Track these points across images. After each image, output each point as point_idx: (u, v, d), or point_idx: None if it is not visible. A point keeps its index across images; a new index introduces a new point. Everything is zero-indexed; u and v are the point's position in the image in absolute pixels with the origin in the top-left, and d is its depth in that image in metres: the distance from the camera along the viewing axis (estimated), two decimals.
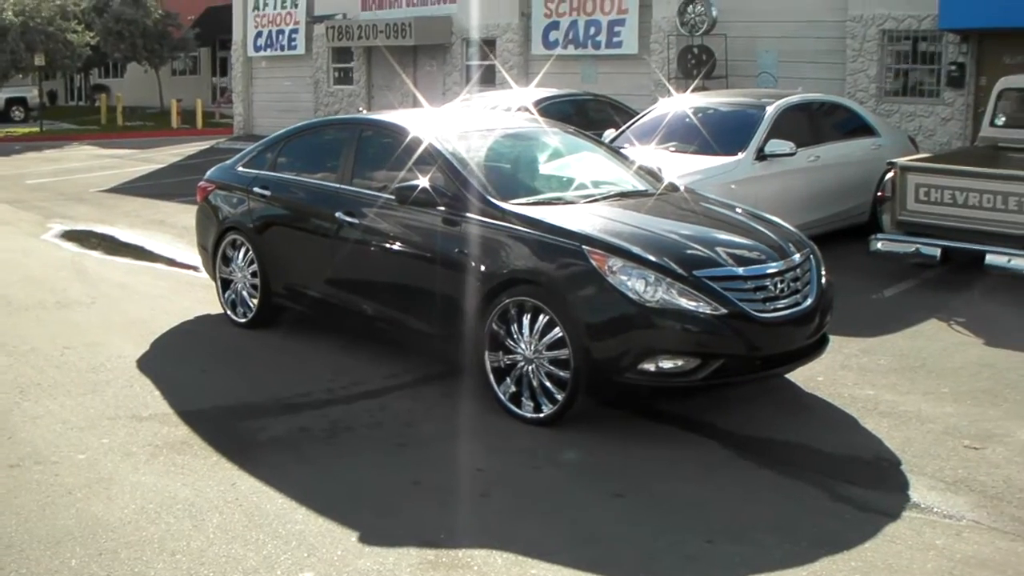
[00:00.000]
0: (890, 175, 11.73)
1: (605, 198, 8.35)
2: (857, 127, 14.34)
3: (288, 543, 5.52)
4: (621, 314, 6.96)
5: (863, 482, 6.44)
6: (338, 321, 9.26)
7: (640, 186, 8.83)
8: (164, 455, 6.75)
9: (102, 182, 22.58)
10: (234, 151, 11.99)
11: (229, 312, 10.01)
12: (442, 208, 7.94)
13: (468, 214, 7.81)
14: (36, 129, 39.76)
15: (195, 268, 12.48)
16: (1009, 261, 10.77)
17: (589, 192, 8.50)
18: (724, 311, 6.99)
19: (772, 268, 7.37)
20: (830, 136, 13.80)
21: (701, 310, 6.95)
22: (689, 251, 7.28)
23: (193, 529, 5.68)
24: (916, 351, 9.12)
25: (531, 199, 8.06)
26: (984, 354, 9.07)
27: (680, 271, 7.04)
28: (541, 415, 7.28)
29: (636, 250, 7.12)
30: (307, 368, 8.65)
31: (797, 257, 7.63)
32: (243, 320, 9.85)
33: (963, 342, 9.44)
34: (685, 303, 6.95)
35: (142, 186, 22.10)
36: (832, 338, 8.12)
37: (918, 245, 11.47)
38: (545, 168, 9.12)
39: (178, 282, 12.23)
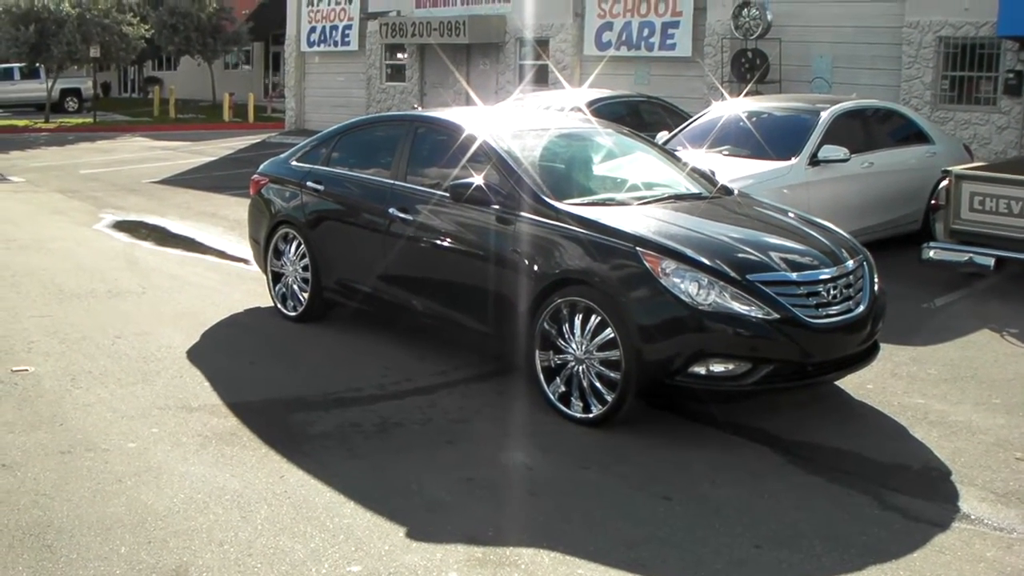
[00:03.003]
0: (944, 183, 11.63)
1: (658, 200, 8.33)
2: (911, 134, 14.23)
3: (336, 536, 5.54)
4: (673, 316, 6.94)
5: (912, 491, 6.38)
6: (389, 317, 9.29)
7: (694, 189, 8.80)
8: (213, 446, 6.80)
9: (154, 173, 22.76)
10: (285, 146, 12.09)
11: (279, 306, 10.05)
12: (496, 207, 7.95)
13: (522, 213, 7.82)
14: (89, 120, 40.15)
15: (246, 261, 12.56)
16: None
17: (643, 194, 8.48)
18: (776, 316, 6.95)
19: (825, 274, 7.32)
20: (884, 143, 13.71)
21: (753, 314, 6.92)
22: (742, 255, 7.25)
23: (241, 520, 5.71)
24: (967, 361, 9.04)
25: (585, 199, 8.06)
26: None
27: (733, 275, 7.01)
28: (590, 415, 7.26)
29: (690, 253, 7.10)
30: (357, 363, 8.68)
31: (850, 263, 7.58)
32: (293, 314, 9.89)
33: (1015, 353, 9.34)
34: (737, 307, 6.92)
35: (193, 178, 22.25)
36: (882, 346, 8.05)
37: (971, 254, 11.36)
38: (599, 169, 9.11)
39: (228, 274, 12.30)
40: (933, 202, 12.05)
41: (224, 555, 5.30)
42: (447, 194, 8.26)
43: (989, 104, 19.82)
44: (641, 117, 16.65)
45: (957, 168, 11.81)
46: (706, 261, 7.07)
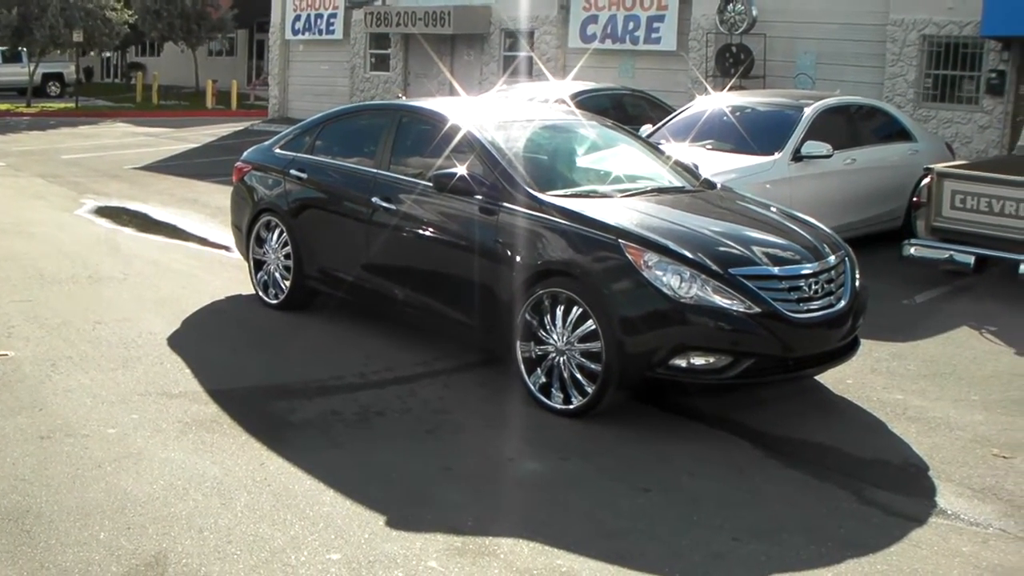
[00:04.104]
0: (926, 181, 11.67)
1: (642, 193, 8.34)
2: (894, 131, 14.29)
3: (315, 525, 5.54)
4: (655, 309, 6.96)
5: (891, 486, 6.42)
6: (370, 306, 9.29)
7: (677, 182, 8.82)
8: (193, 432, 6.78)
9: (136, 159, 22.69)
10: (268, 133, 12.07)
11: (261, 293, 10.04)
12: (479, 197, 7.95)
13: (505, 204, 7.82)
14: (71, 105, 39.98)
15: (227, 248, 12.54)
16: None
17: (626, 186, 8.49)
18: (758, 310, 6.97)
19: (807, 269, 7.35)
20: (867, 140, 13.77)
21: (735, 308, 6.94)
22: (725, 249, 7.27)
23: (221, 507, 5.70)
24: (946, 358, 9.08)
25: (568, 191, 8.08)
26: (1016, 363, 9.02)
27: (715, 268, 7.03)
28: (570, 407, 7.28)
29: (672, 246, 7.12)
30: (338, 352, 8.68)
31: (832, 259, 7.61)
32: (275, 302, 9.87)
33: (994, 351, 9.39)
34: (719, 300, 6.94)
35: (176, 165, 22.19)
36: (862, 342, 8.09)
37: (952, 252, 11.41)
38: (583, 161, 9.12)
39: (210, 261, 12.28)
40: (915, 199, 12.08)
41: (204, 542, 5.29)
42: (431, 184, 8.26)
43: (971, 103, 19.88)
44: (625, 110, 16.68)
45: (939, 166, 11.85)
46: (688, 254, 7.08)
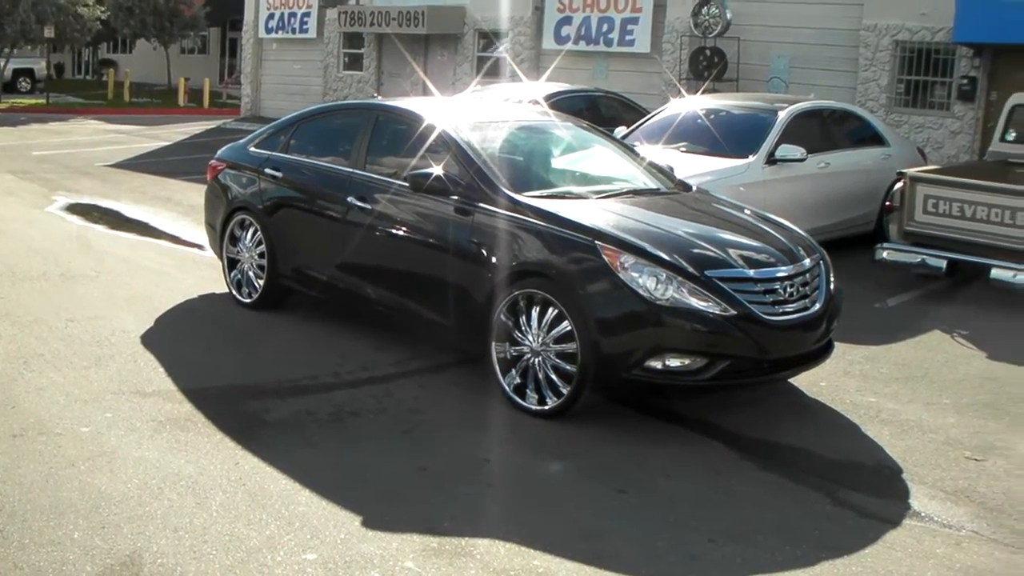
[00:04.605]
0: (899, 185, 11.74)
1: (618, 194, 8.35)
2: (867, 136, 14.37)
3: (291, 524, 5.52)
4: (631, 311, 6.96)
5: (865, 488, 6.45)
6: (345, 305, 9.26)
7: (652, 184, 8.84)
8: (167, 431, 6.75)
9: (108, 157, 22.56)
10: (241, 132, 12.02)
11: (235, 292, 10.00)
12: (455, 197, 7.94)
13: (481, 204, 7.81)
14: (42, 101, 39.70)
15: (200, 246, 12.48)
16: (1015, 276, 10.79)
17: (602, 188, 8.51)
18: (733, 312, 6.99)
19: (782, 272, 7.37)
20: (840, 144, 13.85)
21: (711, 310, 6.96)
22: (701, 251, 7.28)
23: (196, 507, 5.67)
24: (919, 361, 9.13)
25: (544, 192, 8.08)
26: (987, 367, 9.08)
27: (691, 270, 7.04)
28: (545, 408, 7.28)
29: (649, 247, 7.12)
30: (313, 351, 8.66)
31: (807, 262, 7.63)
32: (248, 300, 9.83)
33: (966, 354, 9.45)
34: (695, 302, 6.95)
35: (148, 162, 22.07)
36: (836, 344, 8.12)
37: (924, 256, 11.49)
38: (559, 162, 9.13)
39: (183, 259, 12.22)
40: (887, 203, 12.15)
41: (179, 541, 5.26)
42: (406, 184, 8.25)
43: (943, 109, 20.01)
44: (599, 112, 16.68)
45: (912, 170, 11.93)
46: (665, 256, 7.09)
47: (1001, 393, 8.39)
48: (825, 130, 13.83)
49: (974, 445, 7.23)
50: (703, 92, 17.91)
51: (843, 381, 8.44)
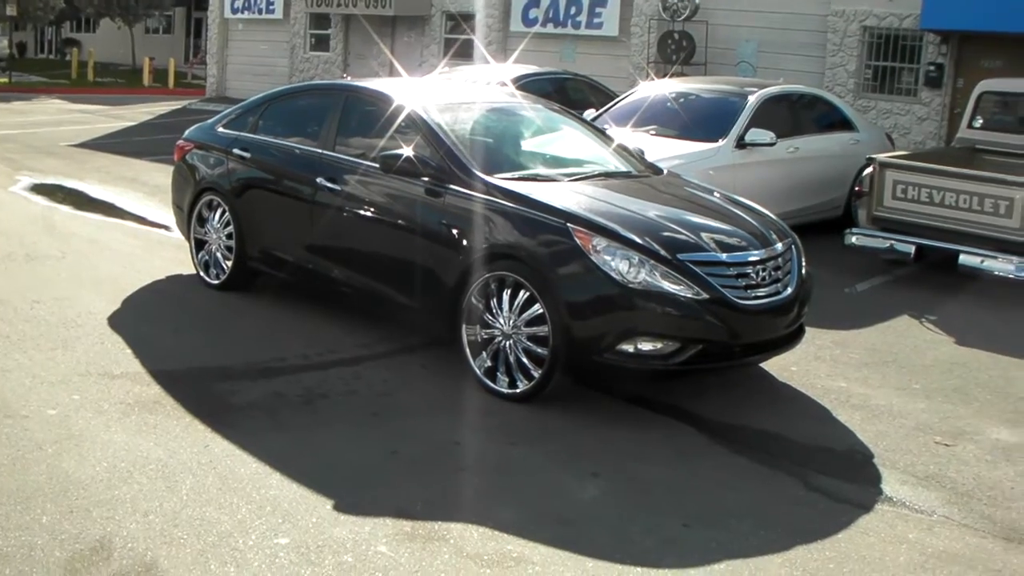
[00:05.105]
0: (869, 170, 11.75)
1: (589, 177, 8.32)
2: (836, 121, 14.40)
3: (262, 508, 5.46)
4: (603, 294, 6.93)
5: (836, 473, 6.45)
6: (313, 288, 9.20)
7: (624, 167, 8.81)
8: (136, 414, 6.67)
9: (72, 136, 22.35)
10: (206, 112, 11.91)
11: (202, 273, 9.90)
12: (426, 179, 7.88)
13: (452, 186, 7.76)
14: (4, 80, 39.32)
15: (166, 227, 12.38)
16: (982, 262, 10.82)
17: (573, 170, 8.46)
18: (706, 296, 6.97)
19: (754, 256, 7.36)
20: (809, 128, 13.87)
21: (683, 294, 6.93)
22: (673, 234, 7.26)
23: (166, 490, 5.61)
24: (888, 346, 9.15)
25: (515, 174, 8.03)
26: (955, 353, 9.11)
27: (664, 254, 7.02)
28: (516, 391, 7.25)
29: (621, 230, 7.09)
30: (281, 333, 8.59)
31: (779, 246, 7.62)
32: (216, 282, 9.74)
33: (935, 340, 9.48)
34: (667, 286, 6.93)
35: (112, 143, 21.87)
36: (806, 329, 8.12)
37: (893, 241, 11.51)
38: (530, 144, 9.08)
39: (149, 240, 12.10)
40: (857, 189, 12.18)
41: (149, 526, 5.20)
42: (376, 165, 8.20)
43: (910, 95, 20.08)
44: (567, 95, 16.63)
45: (881, 156, 11.94)
46: (637, 239, 7.06)
47: (969, 378, 8.42)
48: (794, 115, 13.84)
49: (944, 430, 7.25)
50: (671, 76, 17.88)
51: (813, 366, 8.45)
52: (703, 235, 7.36)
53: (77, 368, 7.46)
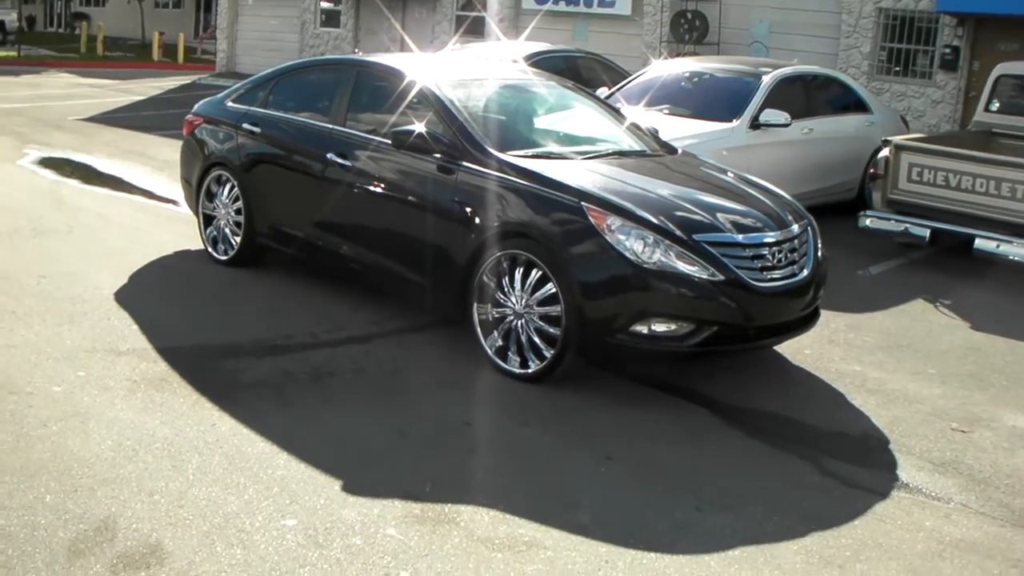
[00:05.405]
0: (884, 153, 11.63)
1: (603, 156, 8.22)
2: (851, 103, 14.28)
3: (270, 489, 5.38)
4: (617, 274, 6.83)
5: (851, 459, 6.36)
6: (322, 264, 9.11)
7: (638, 146, 8.71)
8: (142, 391, 6.59)
9: (81, 111, 22.22)
10: (215, 87, 11.81)
11: (210, 249, 9.81)
12: (438, 155, 7.78)
13: (464, 163, 7.66)
14: (13, 53, 39.14)
15: (175, 202, 12.29)
16: (998, 247, 10.71)
17: (587, 149, 8.36)
18: (721, 278, 6.87)
19: (770, 237, 7.25)
20: (824, 110, 13.73)
21: (698, 275, 6.83)
22: (689, 214, 7.16)
23: (172, 469, 5.52)
24: (902, 330, 9.06)
25: (528, 151, 7.92)
26: (970, 338, 9.01)
27: (679, 234, 6.91)
28: (528, 371, 7.16)
29: (636, 210, 6.99)
30: (289, 310, 8.50)
31: (795, 228, 7.52)
32: (224, 258, 9.65)
33: (949, 324, 9.38)
34: (683, 267, 6.83)
35: (121, 117, 21.75)
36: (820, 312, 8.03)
37: (907, 225, 11.40)
38: (543, 122, 8.97)
39: (157, 215, 12.01)
40: (871, 171, 12.06)
41: (154, 506, 5.11)
42: (388, 141, 8.10)
43: (925, 77, 19.93)
44: (579, 73, 16.46)
45: (897, 138, 11.83)
46: (652, 219, 6.96)
47: (985, 364, 8.32)
48: (809, 96, 13.70)
49: (960, 416, 7.15)
50: (682, 55, 17.75)
51: (827, 349, 8.35)
52: (719, 215, 7.26)
53: (83, 344, 7.37)
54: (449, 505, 5.35)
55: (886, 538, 5.36)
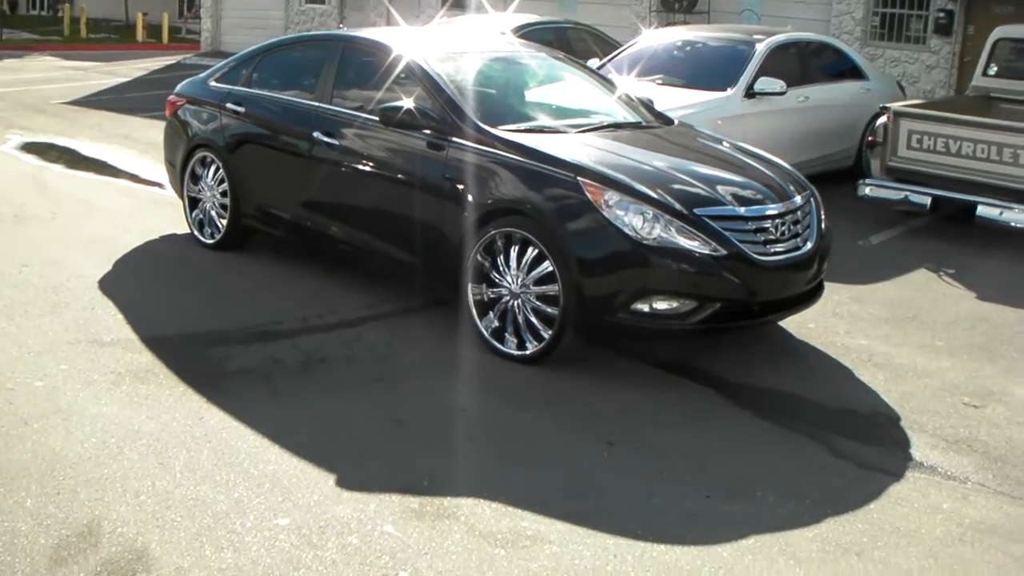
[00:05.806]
0: (883, 119, 11.40)
1: (598, 128, 7.98)
2: (846, 69, 14.02)
3: (261, 485, 5.15)
4: (616, 250, 6.61)
5: (862, 437, 6.15)
6: (311, 246, 8.89)
7: (633, 118, 8.48)
8: (127, 384, 6.35)
9: (64, 94, 21.92)
10: (200, 67, 11.54)
11: (196, 232, 9.58)
12: (427, 132, 7.55)
13: (455, 139, 7.43)
14: None
15: (160, 185, 12.03)
16: (1001, 214, 10.50)
17: (581, 121, 8.12)
18: (724, 252, 6.64)
19: (773, 209, 7.03)
20: (820, 77, 13.48)
21: (700, 250, 6.61)
22: (689, 188, 6.93)
23: (158, 467, 5.29)
24: (907, 301, 8.85)
25: (521, 126, 7.69)
26: (977, 308, 8.80)
27: (680, 208, 6.68)
28: (525, 352, 6.95)
29: (634, 184, 6.76)
30: (278, 294, 8.27)
31: (798, 199, 7.30)
32: (210, 241, 9.42)
33: (954, 294, 9.17)
34: (684, 242, 6.60)
35: (105, 99, 21.45)
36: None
37: (908, 192, 11.19)
38: (535, 94, 8.73)
39: (142, 199, 11.75)
40: (870, 138, 11.85)
41: (140, 507, 4.88)
42: (376, 118, 7.86)
43: (919, 43, 19.68)
44: (569, 44, 16.23)
45: (896, 105, 11.60)
46: (651, 193, 6.73)
47: (994, 335, 8.11)
48: (804, 63, 13.45)
49: (971, 390, 6.95)
50: (672, 25, 17.50)
51: (832, 323, 8.14)
52: (719, 188, 7.03)
53: (66, 336, 7.14)
54: (448, 498, 5.13)
55: (903, 522, 5.15)
